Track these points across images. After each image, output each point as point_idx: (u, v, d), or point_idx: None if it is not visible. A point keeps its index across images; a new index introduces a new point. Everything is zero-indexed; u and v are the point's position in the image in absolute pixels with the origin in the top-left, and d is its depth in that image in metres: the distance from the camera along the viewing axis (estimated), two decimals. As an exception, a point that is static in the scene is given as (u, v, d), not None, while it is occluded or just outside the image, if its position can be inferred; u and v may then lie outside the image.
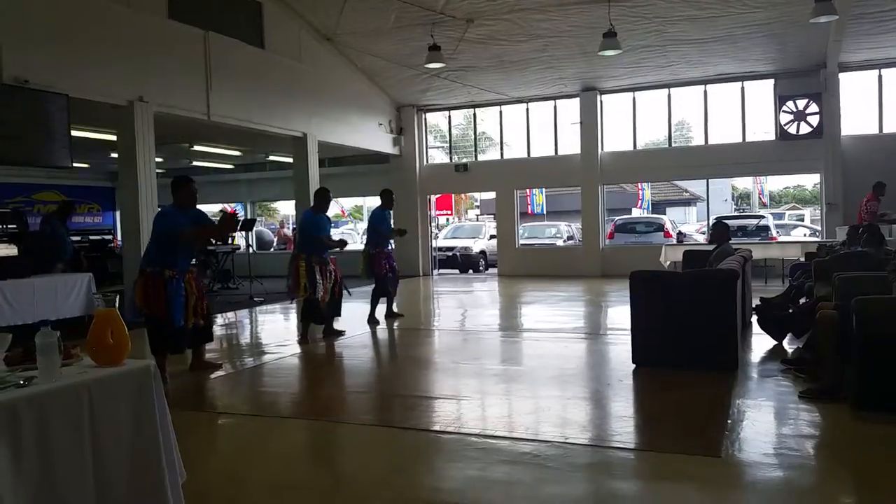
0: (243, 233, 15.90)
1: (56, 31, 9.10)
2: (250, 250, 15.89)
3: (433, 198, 19.66)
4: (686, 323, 6.12)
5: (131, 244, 10.40)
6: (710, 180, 17.95)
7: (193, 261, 7.05)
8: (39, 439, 2.40)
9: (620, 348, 7.05)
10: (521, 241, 18.68)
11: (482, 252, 20.05)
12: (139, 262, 9.82)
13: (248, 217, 20.32)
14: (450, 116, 18.92)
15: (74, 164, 10.82)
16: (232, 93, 11.88)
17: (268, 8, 13.18)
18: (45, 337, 2.54)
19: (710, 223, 14.81)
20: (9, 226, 14.62)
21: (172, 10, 11.08)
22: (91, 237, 16.64)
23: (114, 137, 11.03)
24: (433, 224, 19.84)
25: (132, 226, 10.45)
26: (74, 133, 9.60)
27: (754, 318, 7.99)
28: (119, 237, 15.06)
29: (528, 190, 24.11)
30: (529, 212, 26.18)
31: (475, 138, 19.32)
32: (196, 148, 15.77)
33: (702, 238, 18.10)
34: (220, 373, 6.76)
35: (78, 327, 2.85)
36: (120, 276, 10.74)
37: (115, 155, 11.81)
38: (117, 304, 2.91)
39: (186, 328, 6.28)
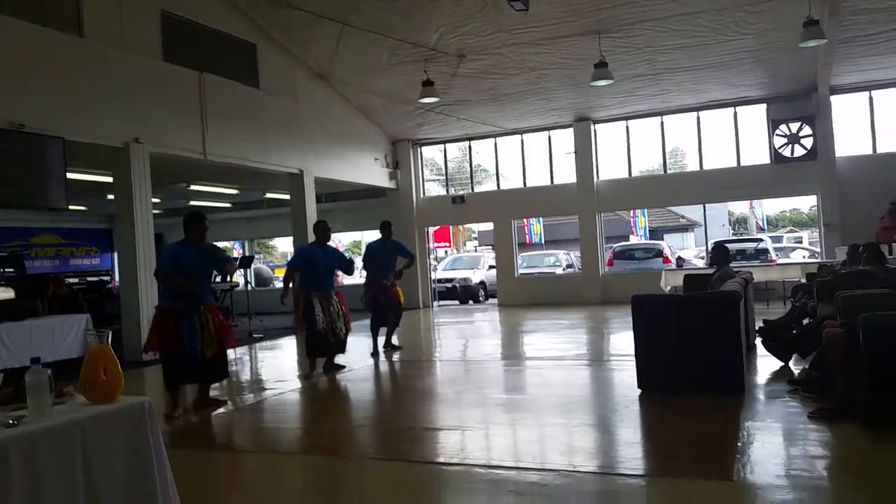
0: (242, 270, 15.85)
1: (51, 75, 9.15)
2: (249, 287, 15.82)
3: (431, 230, 19.65)
4: (690, 346, 6.05)
5: (129, 284, 10.34)
6: (706, 206, 17.96)
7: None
8: (30, 480, 2.32)
9: (625, 374, 6.96)
10: (521, 271, 18.64)
11: (482, 283, 20.01)
12: (136, 302, 9.98)
13: (247, 255, 20.27)
14: (445, 150, 19.00)
15: (71, 207, 10.82)
16: (228, 132, 11.94)
17: (262, 48, 13.31)
18: (35, 375, 2.47)
19: (709, 247, 14.85)
20: (6, 269, 14.67)
21: (167, 53, 11.19)
22: (89, 279, 16.59)
23: (110, 179, 11.04)
24: (431, 256, 19.80)
25: (129, 266, 10.39)
26: (70, 175, 9.61)
27: (758, 341, 7.93)
28: (117, 278, 15.00)
29: (525, 220, 24.14)
30: (528, 241, 26.20)
31: (471, 170, 19.38)
32: (193, 187, 15.80)
33: (701, 263, 18.08)
34: (221, 410, 6.66)
35: (77, 368, 2.81)
36: (118, 316, 10.65)
37: (111, 197, 11.81)
38: (109, 340, 2.84)
39: (203, 359, 6.29)
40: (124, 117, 10.16)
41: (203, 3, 11.91)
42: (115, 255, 18.65)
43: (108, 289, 14.96)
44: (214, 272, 7.20)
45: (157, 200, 13.38)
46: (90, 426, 2.58)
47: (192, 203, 18.31)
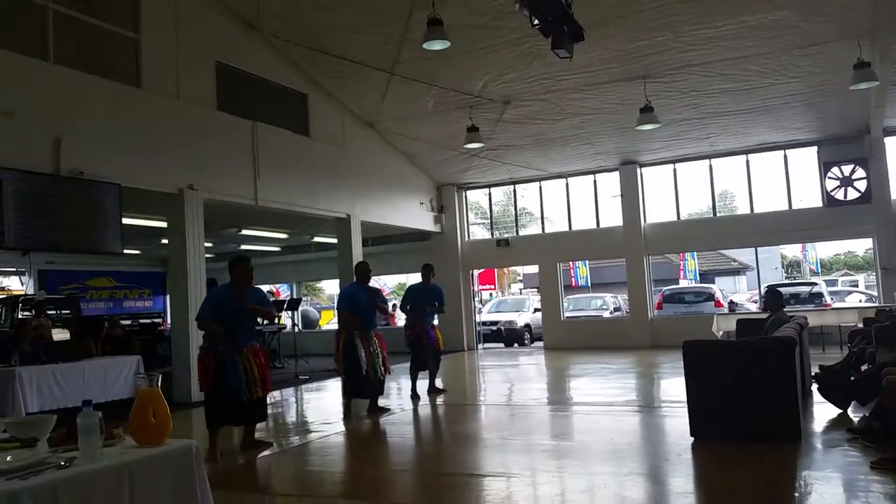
0: (289, 312, 16.05)
1: (110, 124, 9.47)
2: (296, 329, 15.98)
3: (476, 273, 19.65)
4: (744, 393, 5.87)
5: (180, 327, 10.53)
6: (758, 249, 17.63)
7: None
8: (80, 521, 2.35)
9: (676, 421, 6.78)
10: (567, 314, 18.44)
11: (527, 325, 19.86)
12: (186, 344, 10.14)
13: (294, 297, 20.54)
14: (490, 193, 19.09)
15: (126, 251, 11.12)
16: (278, 178, 12.21)
17: (312, 98, 13.63)
18: (86, 418, 2.52)
19: (762, 291, 14.52)
20: (63, 311, 15.13)
21: (221, 102, 11.51)
22: (141, 321, 16.98)
23: (164, 224, 11.36)
24: (476, 299, 19.75)
25: (181, 309, 10.57)
26: (126, 221, 9.87)
27: (815, 387, 7.66)
28: (168, 320, 15.33)
29: (570, 263, 23.97)
30: (573, 284, 25.96)
31: (516, 214, 19.40)
32: (244, 232, 16.15)
33: (754, 307, 17.67)
34: (267, 452, 6.70)
35: (128, 409, 2.86)
36: (169, 357, 10.85)
37: (165, 241, 12.13)
38: (159, 384, 2.89)
39: (247, 401, 6.35)
40: (179, 165, 10.46)
41: (257, 55, 12.27)
42: (168, 297, 19.13)
43: (159, 331, 15.28)
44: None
45: (209, 245, 13.67)
46: (138, 468, 2.60)
47: (244, 247, 18.75)
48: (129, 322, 15.57)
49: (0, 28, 8.79)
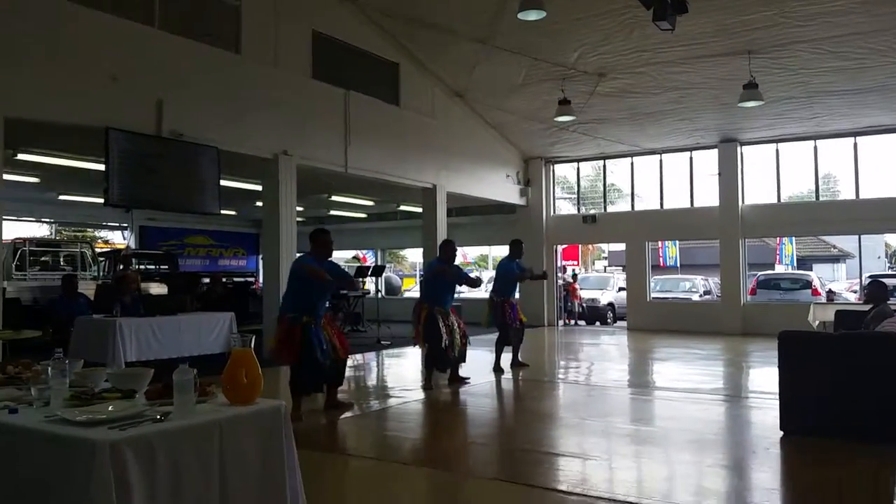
0: (373, 278, 16.33)
1: (209, 89, 9.82)
2: (379, 295, 16.27)
3: (560, 248, 19.40)
4: (843, 389, 5.57)
5: (271, 286, 10.90)
6: (861, 236, 16.67)
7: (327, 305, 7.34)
8: (171, 473, 2.45)
9: (765, 413, 6.53)
10: (654, 295, 18.00)
11: (610, 304, 19.55)
12: (277, 303, 10.42)
13: (379, 264, 20.86)
14: (578, 168, 18.72)
15: (222, 212, 11.56)
16: (368, 147, 12.37)
17: (404, 68, 13.69)
18: (182, 374, 2.62)
19: (864, 281, 13.74)
20: (161, 266, 15.86)
21: (316, 71, 11.74)
22: (235, 279, 17.62)
23: (258, 187, 11.73)
24: (559, 275, 19.53)
25: (273, 269, 11.00)
26: (223, 183, 10.22)
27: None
28: (261, 280, 15.88)
29: (660, 242, 23.36)
30: (662, 264, 25.32)
31: (604, 189, 18.98)
32: (333, 198, 16.47)
33: (853, 297, 16.79)
34: (349, 413, 6.88)
35: (219, 363, 2.95)
36: (260, 315, 11.24)
37: (259, 203, 12.52)
38: (252, 344, 2.97)
39: (330, 364, 6.54)
40: (274, 131, 10.76)
41: (352, 24, 12.39)
42: (260, 257, 19.78)
43: (252, 289, 15.81)
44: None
45: (300, 209, 14.01)
46: (228, 426, 2.69)
47: (332, 213, 19.14)
48: (223, 280, 16.17)
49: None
